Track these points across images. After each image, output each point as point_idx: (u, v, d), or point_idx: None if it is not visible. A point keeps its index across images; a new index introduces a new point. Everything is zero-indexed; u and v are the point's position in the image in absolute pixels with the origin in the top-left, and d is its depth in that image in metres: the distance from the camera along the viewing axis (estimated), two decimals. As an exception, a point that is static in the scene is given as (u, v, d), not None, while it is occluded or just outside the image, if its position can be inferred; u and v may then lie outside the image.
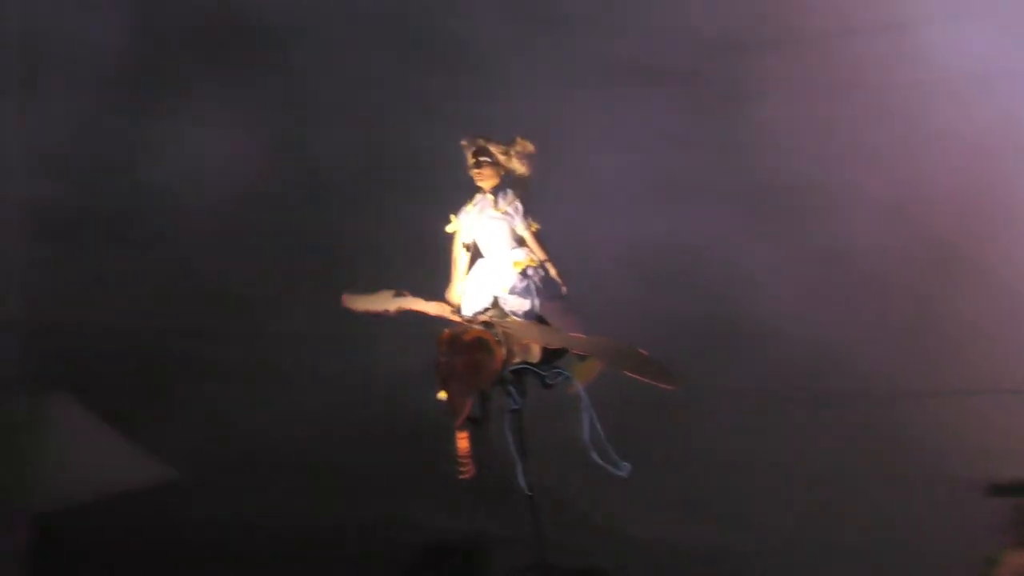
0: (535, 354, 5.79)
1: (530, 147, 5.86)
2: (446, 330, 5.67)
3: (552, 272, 5.89)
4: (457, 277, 5.93)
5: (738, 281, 7.45)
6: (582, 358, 5.76)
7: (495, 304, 5.79)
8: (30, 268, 7.29)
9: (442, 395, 5.56)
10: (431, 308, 5.81)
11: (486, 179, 5.88)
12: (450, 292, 5.91)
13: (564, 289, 5.87)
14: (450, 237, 5.96)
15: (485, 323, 5.71)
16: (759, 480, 7.03)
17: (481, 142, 5.86)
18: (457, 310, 5.81)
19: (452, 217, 5.94)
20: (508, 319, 5.73)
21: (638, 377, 5.41)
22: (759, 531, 6.89)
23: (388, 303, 5.81)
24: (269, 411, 7.23)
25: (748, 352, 7.34)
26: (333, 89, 7.79)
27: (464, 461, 5.58)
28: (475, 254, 5.96)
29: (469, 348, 5.58)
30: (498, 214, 5.89)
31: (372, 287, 5.87)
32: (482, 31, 7.81)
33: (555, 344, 5.71)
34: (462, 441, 5.59)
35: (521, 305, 5.77)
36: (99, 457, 6.34)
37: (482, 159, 5.85)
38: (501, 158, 5.84)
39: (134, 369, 7.21)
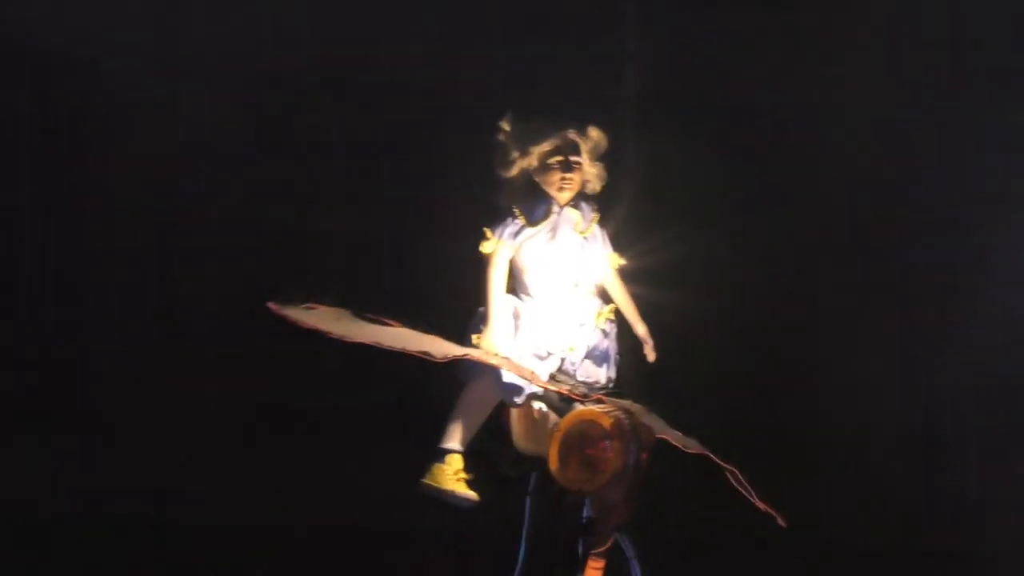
0: None
1: (604, 142, 4.21)
2: (615, 414, 3.99)
3: (640, 330, 4.24)
4: (495, 318, 4.14)
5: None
6: None
7: (560, 369, 4.15)
8: None
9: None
10: (508, 367, 4.03)
11: (572, 188, 4.21)
12: (487, 338, 4.11)
13: (652, 356, 4.25)
14: (481, 259, 4.20)
15: (625, 408, 4.05)
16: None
17: (573, 135, 4.17)
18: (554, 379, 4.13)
19: (488, 232, 4.19)
20: (637, 407, 4.06)
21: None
22: None
23: (351, 326, 4.01)
24: None
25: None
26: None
27: None
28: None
29: (643, 440, 4.00)
30: (580, 239, 4.22)
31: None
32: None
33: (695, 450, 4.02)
34: (596, 572, 4.01)
35: (596, 375, 4.16)
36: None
37: (574, 160, 4.18)
38: (586, 159, 4.19)
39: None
